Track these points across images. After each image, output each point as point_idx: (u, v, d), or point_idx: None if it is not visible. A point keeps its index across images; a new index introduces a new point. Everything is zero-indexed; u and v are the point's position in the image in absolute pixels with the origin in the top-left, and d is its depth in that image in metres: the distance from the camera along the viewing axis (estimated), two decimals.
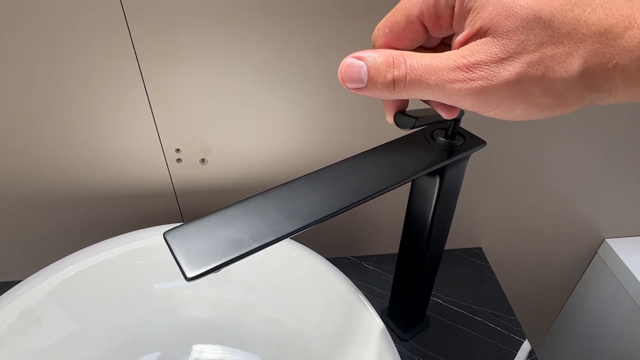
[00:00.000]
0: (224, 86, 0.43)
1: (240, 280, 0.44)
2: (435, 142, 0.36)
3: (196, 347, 0.43)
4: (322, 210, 0.29)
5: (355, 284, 0.56)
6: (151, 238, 0.43)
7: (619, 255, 0.63)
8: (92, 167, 0.48)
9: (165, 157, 0.48)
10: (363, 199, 0.30)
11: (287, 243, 0.44)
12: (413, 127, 0.28)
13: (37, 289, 0.38)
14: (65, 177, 0.48)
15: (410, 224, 0.42)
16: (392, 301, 0.52)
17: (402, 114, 0.28)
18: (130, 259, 0.42)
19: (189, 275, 0.25)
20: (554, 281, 0.71)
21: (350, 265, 0.60)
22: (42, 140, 0.45)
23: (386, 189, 0.31)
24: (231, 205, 0.29)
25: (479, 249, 0.63)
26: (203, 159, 0.49)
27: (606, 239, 0.65)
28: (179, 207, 0.52)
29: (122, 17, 0.38)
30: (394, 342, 0.49)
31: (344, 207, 0.29)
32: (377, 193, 0.31)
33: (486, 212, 0.60)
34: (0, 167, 0.46)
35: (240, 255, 0.26)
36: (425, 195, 0.38)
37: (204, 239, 0.27)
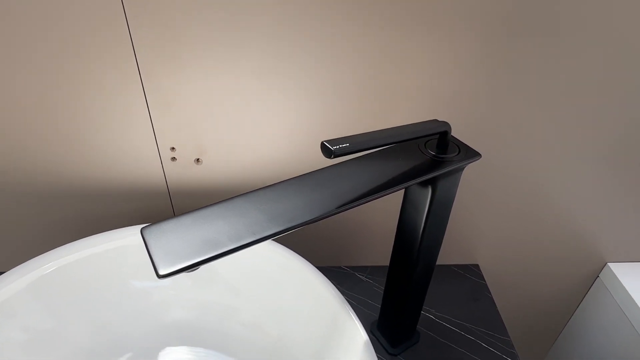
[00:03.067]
0: (220, 89, 0.43)
1: (225, 283, 0.43)
2: (428, 152, 0.35)
3: (170, 349, 0.42)
4: (304, 215, 0.28)
5: (347, 295, 0.55)
6: (135, 236, 0.43)
7: (621, 280, 0.61)
8: (86, 163, 0.48)
9: (160, 155, 0.48)
10: (347, 206, 0.29)
11: (275, 248, 0.43)
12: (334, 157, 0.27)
13: (15, 283, 0.37)
14: (59, 172, 0.48)
15: (401, 235, 0.41)
16: (382, 314, 0.51)
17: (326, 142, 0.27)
18: (112, 257, 0.42)
19: (161, 272, 0.24)
20: (553, 304, 0.69)
21: (344, 275, 0.59)
22: (37, 135, 0.45)
23: (372, 197, 0.30)
24: (212, 204, 0.28)
25: (476, 265, 0.62)
26: (198, 159, 0.48)
27: (608, 263, 0.63)
28: (172, 205, 0.52)
29: (123, 18, 0.38)
30: (383, 356, 0.48)
31: (327, 213, 0.29)
32: (362, 201, 0.30)
33: (484, 229, 0.58)
34: None
35: (215, 256, 0.25)
36: (417, 206, 0.38)
37: (181, 237, 0.26)
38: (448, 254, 0.61)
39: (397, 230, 0.42)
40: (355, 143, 0.28)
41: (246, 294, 0.43)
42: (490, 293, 0.57)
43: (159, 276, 0.24)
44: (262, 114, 0.45)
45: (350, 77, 0.43)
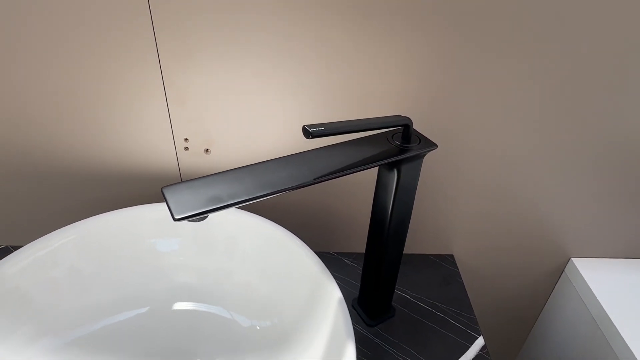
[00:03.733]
0: (228, 87, 0.52)
1: (222, 251, 0.51)
2: (394, 142, 0.43)
3: (181, 304, 0.50)
4: (288, 183, 0.36)
5: (334, 276, 0.63)
6: (158, 212, 0.51)
7: (583, 275, 0.67)
8: (110, 151, 0.56)
9: (175, 145, 0.56)
10: (322, 178, 0.37)
11: (265, 224, 0.51)
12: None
13: (60, 239, 0.46)
14: (86, 157, 0.57)
15: (375, 216, 0.49)
16: (361, 291, 0.58)
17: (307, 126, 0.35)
18: (135, 227, 0.50)
19: (176, 217, 0.32)
20: (524, 298, 0.75)
21: (332, 259, 0.66)
22: (68, 125, 0.54)
23: (345, 172, 0.38)
24: (216, 173, 0.37)
25: (451, 255, 0.69)
26: (207, 150, 0.57)
27: (572, 258, 0.70)
28: None
29: (149, 23, 0.47)
30: (362, 327, 0.55)
31: (305, 183, 0.37)
32: (335, 175, 0.38)
33: (459, 222, 0.66)
34: (24, 145, 0.55)
35: (217, 208, 0.33)
36: (386, 187, 0.45)
37: (191, 194, 0.34)
38: (425, 244, 0.68)
39: (372, 212, 0.49)
40: (329, 127, 0.36)
41: (239, 260, 0.51)
42: (461, 279, 0.64)
43: (175, 219, 0.32)
44: (263, 110, 0.53)
45: (337, 81, 0.51)
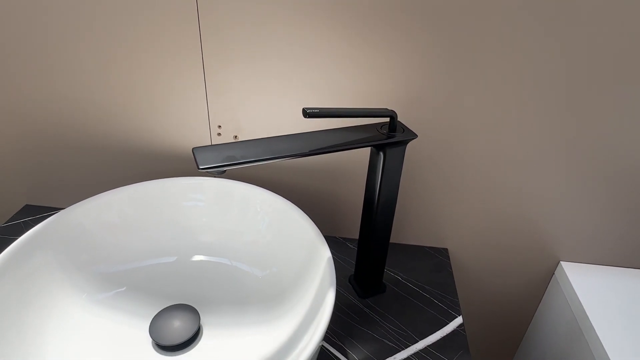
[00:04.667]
0: (257, 85, 0.63)
1: (237, 214, 0.62)
2: (382, 131, 0.52)
3: (199, 257, 0.61)
4: (288, 152, 0.46)
5: (336, 256, 0.71)
6: (190, 182, 0.63)
7: (570, 280, 0.72)
8: (154, 132, 0.69)
9: (210, 130, 0.68)
10: (318, 151, 0.47)
11: (276, 197, 0.61)
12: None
13: (113, 194, 0.59)
14: (135, 137, 0.69)
15: (366, 198, 0.58)
16: (355, 268, 0.66)
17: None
18: (171, 193, 0.62)
19: (200, 166, 0.43)
20: (515, 300, 0.80)
21: (337, 242, 0.75)
22: (124, 108, 0.67)
23: (336, 149, 0.48)
24: (235, 142, 0.47)
25: (446, 249, 0.76)
26: (235, 136, 0.68)
27: (561, 262, 0.75)
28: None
29: (197, 30, 0.59)
30: (356, 299, 0.64)
31: (303, 153, 0.47)
32: (329, 150, 0.48)
33: (454, 216, 0.73)
34: (75, 123, 0.69)
35: (231, 164, 0.44)
36: (374, 169, 0.54)
37: (214, 154, 0.45)
38: (422, 236, 0.75)
39: (364, 195, 0.58)
40: (323, 111, 0.45)
41: (249, 224, 0.61)
42: (451, 269, 0.71)
43: (199, 169, 0.43)
44: (283, 105, 0.64)
45: (344, 83, 0.61)
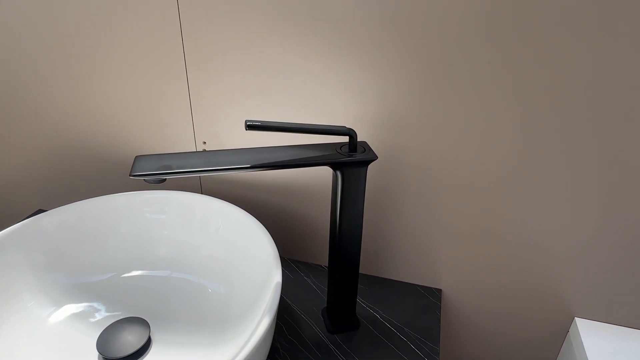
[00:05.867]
0: (238, 101, 0.62)
1: (197, 229, 0.61)
2: (341, 151, 0.49)
3: (157, 272, 0.60)
4: (236, 164, 0.44)
5: (314, 284, 0.67)
6: (155, 195, 0.63)
7: (582, 340, 0.61)
8: (140, 146, 0.70)
9: (195, 146, 0.68)
10: (271, 165, 0.45)
11: (231, 209, 0.60)
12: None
13: (91, 204, 0.60)
14: (124, 149, 0.71)
15: (331, 224, 0.54)
16: (327, 300, 0.61)
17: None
18: (137, 206, 0.63)
19: (131, 174, 0.42)
20: (519, 352, 0.70)
21: (315, 269, 0.71)
22: (123, 126, 0.69)
23: (290, 164, 0.46)
24: (181, 152, 0.46)
25: (439, 290, 0.68)
26: None
27: (576, 318, 0.64)
28: (200, 185, 0.72)
29: (180, 44, 0.61)
30: (324, 333, 0.59)
31: (252, 166, 0.44)
32: (281, 164, 0.45)
33: (450, 254, 0.66)
34: (69, 135, 0.72)
35: (162, 173, 0.43)
36: (335, 191, 0.50)
37: (151, 162, 0.44)
38: (414, 274, 0.69)
39: (330, 219, 0.54)
40: (265, 123, 0.43)
41: (208, 237, 0.60)
42: (439, 312, 0.64)
43: (130, 176, 0.42)
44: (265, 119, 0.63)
45: (317, 100, 0.59)
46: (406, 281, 0.70)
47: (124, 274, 0.62)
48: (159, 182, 0.44)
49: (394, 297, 0.66)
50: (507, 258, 0.63)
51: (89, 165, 0.76)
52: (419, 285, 0.69)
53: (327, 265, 0.73)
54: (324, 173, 0.65)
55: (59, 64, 0.68)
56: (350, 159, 0.47)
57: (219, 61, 0.61)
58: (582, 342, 0.61)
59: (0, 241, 0.55)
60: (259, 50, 0.58)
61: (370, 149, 0.49)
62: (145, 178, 0.43)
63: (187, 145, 0.68)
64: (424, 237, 0.66)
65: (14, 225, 0.56)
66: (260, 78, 0.60)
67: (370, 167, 0.62)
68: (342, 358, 0.56)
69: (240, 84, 0.61)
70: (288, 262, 0.72)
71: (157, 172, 0.43)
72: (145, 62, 0.64)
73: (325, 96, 0.59)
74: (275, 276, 0.50)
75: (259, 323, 0.45)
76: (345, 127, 0.48)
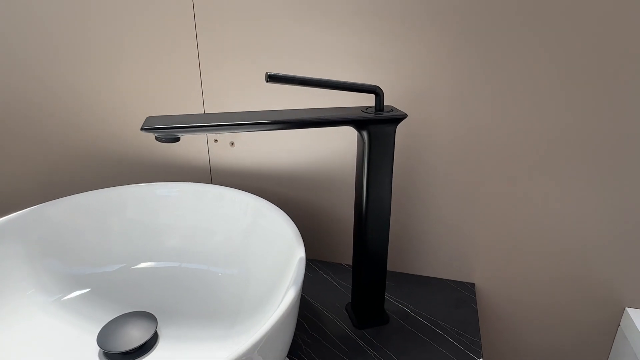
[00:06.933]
0: (250, 93, 0.60)
1: (210, 214, 0.56)
2: (366, 110, 0.45)
3: (166, 263, 0.55)
4: (242, 120, 0.41)
5: (335, 282, 0.62)
6: (171, 187, 0.59)
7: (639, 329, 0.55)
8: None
9: (207, 136, 0.65)
10: (293, 122, 0.41)
11: (248, 196, 0.55)
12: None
13: (92, 197, 0.56)
14: (137, 145, 0.68)
15: (357, 195, 0.49)
16: (352, 294, 0.56)
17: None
18: (148, 200, 0.58)
19: (142, 127, 0.39)
20: (567, 351, 0.63)
21: (337, 268, 0.65)
22: (131, 123, 0.66)
23: (314, 122, 0.42)
24: (191, 114, 0.43)
25: (472, 284, 0.62)
26: (232, 143, 0.64)
27: (627, 308, 0.58)
28: (210, 175, 0.68)
29: (193, 33, 0.59)
30: (351, 329, 0.53)
31: (272, 122, 0.41)
32: (310, 121, 0.42)
33: (482, 245, 0.61)
34: (73, 131, 0.69)
35: (177, 128, 0.39)
36: (362, 155, 0.46)
37: (161, 121, 0.41)
38: (443, 268, 0.63)
39: (355, 196, 0.50)
40: (286, 76, 0.40)
41: (220, 224, 0.55)
42: (476, 305, 0.58)
43: (142, 129, 0.39)
44: (279, 107, 0.60)
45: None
46: (435, 276, 0.64)
47: (132, 266, 0.57)
48: (172, 141, 0.40)
49: (424, 292, 0.61)
50: (547, 247, 0.58)
51: (94, 162, 0.73)
52: (449, 280, 0.63)
53: (347, 263, 0.67)
54: (344, 161, 0.61)
55: (55, 56, 0.66)
56: (378, 116, 0.44)
57: (233, 41, 0.59)
58: (639, 331, 0.54)
59: (1, 228, 0.50)
60: (276, 30, 0.56)
61: (397, 110, 0.46)
62: (157, 133, 0.39)
63: (200, 137, 0.65)
64: (455, 227, 0.61)
65: (16, 213, 0.52)
66: (275, 61, 0.58)
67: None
68: (372, 352, 0.50)
69: (252, 76, 0.59)
70: (306, 261, 0.67)
71: (169, 127, 0.39)
72: (154, 46, 0.62)
73: (342, 71, 0.56)
74: (297, 252, 0.45)
75: (284, 296, 0.39)
76: (371, 84, 0.45)
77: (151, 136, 0.68)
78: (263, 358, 0.35)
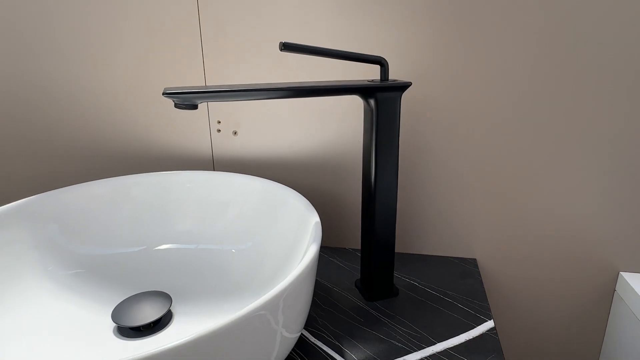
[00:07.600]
0: (252, 80, 0.62)
1: (224, 195, 0.57)
2: (372, 80, 0.48)
3: (177, 245, 0.55)
4: (259, 88, 0.43)
5: (342, 264, 0.63)
6: (179, 175, 0.60)
7: (637, 290, 0.58)
8: (159, 131, 0.68)
9: (209, 124, 0.66)
10: (303, 89, 0.43)
11: (255, 181, 0.57)
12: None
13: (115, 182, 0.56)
14: (140, 135, 0.69)
15: (365, 164, 0.51)
16: (361, 270, 0.57)
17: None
18: (163, 184, 0.59)
19: (164, 92, 0.40)
20: (568, 326, 0.65)
21: (344, 252, 0.66)
22: (131, 113, 0.67)
23: (335, 89, 0.44)
24: (209, 86, 0.45)
25: (474, 260, 0.64)
26: (235, 132, 0.66)
27: (621, 273, 0.61)
28: (213, 164, 0.69)
29: (197, 23, 0.61)
30: (362, 302, 0.54)
31: (286, 88, 0.43)
32: (320, 88, 0.44)
33: (482, 221, 0.63)
34: (73, 120, 0.70)
35: (197, 92, 0.41)
36: (369, 125, 0.49)
37: (183, 89, 0.42)
38: (444, 246, 0.65)
39: (363, 165, 0.52)
40: (300, 46, 0.42)
41: (236, 202, 0.56)
42: (480, 276, 0.60)
43: (163, 94, 0.40)
44: (279, 103, 0.62)
45: (346, 71, 0.59)
46: (437, 254, 0.66)
47: (149, 248, 0.57)
48: (190, 108, 0.42)
49: (429, 268, 0.62)
50: (542, 220, 0.61)
51: (102, 160, 0.73)
52: (451, 257, 0.65)
53: (351, 247, 0.68)
54: (347, 149, 0.63)
55: (58, 54, 0.67)
56: (384, 83, 0.46)
57: (235, 31, 0.61)
58: (637, 293, 0.57)
59: (20, 209, 0.50)
60: (279, 18, 0.59)
61: (400, 80, 0.49)
62: (176, 99, 0.40)
63: (201, 125, 0.67)
64: (452, 205, 0.63)
65: (30, 197, 0.52)
66: (271, 64, 0.60)
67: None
68: (386, 320, 0.51)
69: (254, 66, 0.61)
70: None
71: (188, 92, 0.41)
72: (156, 36, 0.64)
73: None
74: (312, 219, 0.46)
75: (305, 253, 0.40)
76: (376, 55, 0.47)
77: (154, 127, 0.69)
78: (286, 310, 0.36)
